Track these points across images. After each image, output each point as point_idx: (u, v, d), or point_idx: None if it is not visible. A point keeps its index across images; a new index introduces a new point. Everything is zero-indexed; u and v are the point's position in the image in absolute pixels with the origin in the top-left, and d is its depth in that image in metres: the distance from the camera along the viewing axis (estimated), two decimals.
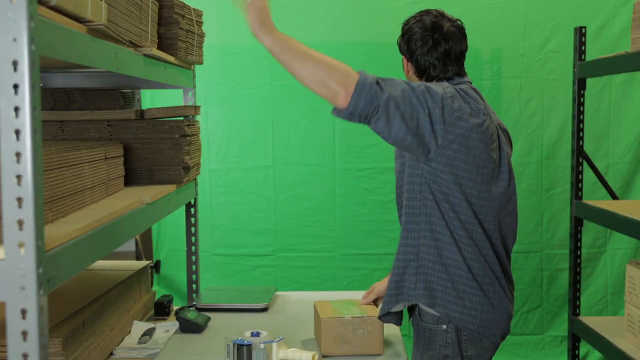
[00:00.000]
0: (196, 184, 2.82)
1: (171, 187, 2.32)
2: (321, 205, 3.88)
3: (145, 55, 2.05)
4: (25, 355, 1.19)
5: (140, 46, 2.01)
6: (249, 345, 1.93)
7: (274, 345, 1.95)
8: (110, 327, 2.25)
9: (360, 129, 3.85)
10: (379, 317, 2.09)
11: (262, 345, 1.93)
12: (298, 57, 1.87)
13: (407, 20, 2.11)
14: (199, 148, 2.64)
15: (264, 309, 2.56)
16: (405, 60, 2.11)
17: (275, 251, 3.91)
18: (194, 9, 2.57)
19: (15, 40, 1.15)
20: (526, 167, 3.87)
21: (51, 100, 2.44)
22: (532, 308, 3.94)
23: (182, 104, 2.88)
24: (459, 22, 2.07)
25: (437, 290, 1.95)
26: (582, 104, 3.34)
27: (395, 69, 3.90)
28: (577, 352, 3.46)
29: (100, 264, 2.68)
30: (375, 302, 2.29)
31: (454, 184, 1.90)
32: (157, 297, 2.78)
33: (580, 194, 3.37)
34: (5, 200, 1.18)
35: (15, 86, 1.16)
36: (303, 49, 1.87)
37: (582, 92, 3.33)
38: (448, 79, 2.03)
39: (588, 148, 3.57)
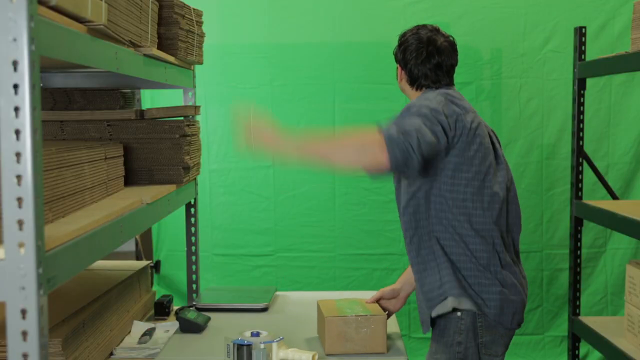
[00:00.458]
0: (196, 184, 2.82)
1: (171, 187, 2.32)
2: (321, 205, 3.88)
3: (145, 55, 2.05)
4: (25, 355, 1.19)
5: (140, 46, 2.01)
6: (249, 345, 1.93)
7: (274, 345, 1.95)
8: (110, 327, 2.25)
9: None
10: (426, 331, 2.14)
11: (262, 345, 1.93)
12: (326, 152, 2.02)
13: (404, 32, 2.25)
14: (199, 148, 2.64)
15: (264, 309, 2.56)
16: (399, 69, 2.25)
17: (275, 251, 3.91)
18: (194, 9, 2.57)
19: (15, 40, 1.15)
20: (526, 167, 3.87)
21: (51, 100, 2.44)
22: (532, 308, 3.94)
23: (182, 104, 2.88)
24: (451, 38, 2.23)
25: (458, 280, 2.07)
26: (582, 104, 3.34)
27: (394, 68, 3.91)
28: (577, 352, 3.46)
29: (100, 264, 2.68)
30: (379, 301, 2.30)
31: (457, 179, 2.04)
32: (157, 297, 2.78)
33: (580, 194, 3.37)
34: (5, 200, 1.18)
35: (15, 86, 1.16)
36: (325, 145, 2.02)
37: (582, 92, 3.33)
38: (437, 88, 2.18)
39: (588, 148, 3.57)
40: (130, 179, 2.30)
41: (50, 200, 1.53)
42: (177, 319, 2.35)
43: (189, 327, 2.32)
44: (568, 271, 3.55)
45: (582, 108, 3.34)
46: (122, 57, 1.83)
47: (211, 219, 3.86)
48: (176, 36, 2.35)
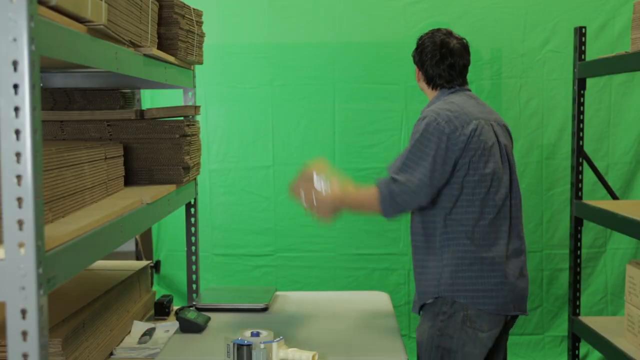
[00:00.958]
0: (196, 184, 2.82)
1: (171, 187, 2.32)
2: None
3: (145, 55, 2.05)
4: (25, 355, 1.19)
5: (140, 46, 2.01)
6: (249, 345, 1.93)
7: (274, 345, 1.95)
8: (110, 327, 2.26)
9: (360, 129, 3.86)
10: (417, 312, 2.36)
11: (262, 345, 1.93)
12: (353, 208, 2.41)
13: (421, 36, 2.45)
14: (199, 148, 2.65)
15: (264, 309, 2.56)
16: (417, 70, 2.46)
17: (275, 251, 3.91)
18: (194, 9, 2.57)
19: (15, 40, 1.15)
20: (526, 167, 3.87)
21: (51, 100, 2.44)
22: (532, 308, 3.94)
23: (182, 104, 2.88)
24: (464, 41, 2.42)
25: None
26: (582, 104, 3.34)
27: (394, 68, 3.92)
28: (577, 352, 3.46)
29: (100, 264, 2.68)
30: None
31: (458, 185, 2.26)
32: (157, 297, 2.78)
33: (580, 194, 3.37)
34: (5, 200, 1.18)
35: (15, 86, 1.16)
36: (347, 202, 2.36)
37: (582, 92, 3.33)
38: (450, 87, 2.39)
39: (588, 148, 3.57)
40: (130, 179, 2.30)
41: (50, 200, 1.53)
42: (177, 319, 2.35)
43: (189, 327, 2.32)
44: (568, 271, 3.55)
45: (582, 108, 3.34)
46: (122, 57, 1.83)
47: (211, 219, 3.86)
48: (176, 36, 2.35)
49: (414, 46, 2.45)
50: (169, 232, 3.91)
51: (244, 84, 3.85)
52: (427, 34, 2.44)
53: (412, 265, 2.38)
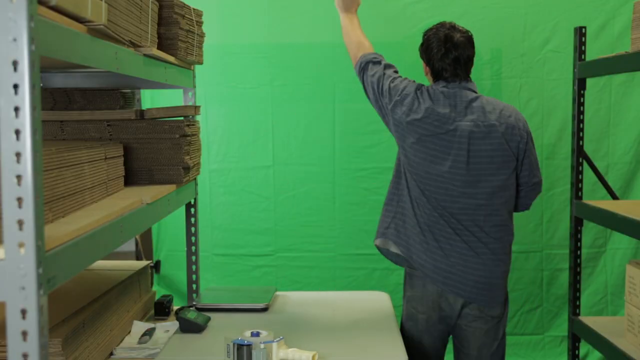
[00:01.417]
0: (196, 184, 2.82)
1: (171, 187, 2.32)
2: (321, 205, 3.88)
3: (145, 55, 2.05)
4: (25, 355, 1.19)
5: (140, 46, 2.01)
6: (249, 345, 1.93)
7: (274, 345, 1.95)
8: (110, 327, 2.26)
9: (360, 129, 3.86)
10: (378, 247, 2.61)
11: (262, 345, 1.93)
12: (345, 33, 2.81)
13: (426, 31, 2.57)
14: (199, 148, 2.65)
15: (264, 309, 2.56)
16: (424, 64, 2.58)
17: (275, 251, 3.91)
18: (194, 9, 2.57)
19: (15, 40, 1.15)
20: None
21: (51, 100, 2.44)
22: (532, 308, 3.94)
23: (182, 104, 2.88)
24: (469, 34, 2.52)
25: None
26: (582, 104, 3.34)
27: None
28: (577, 352, 3.46)
29: (100, 264, 2.68)
30: None
31: (406, 159, 2.50)
32: (157, 297, 2.78)
33: (580, 194, 3.37)
34: (5, 200, 1.18)
35: (15, 86, 1.16)
36: (350, 30, 2.78)
37: (582, 92, 3.33)
38: (453, 82, 2.51)
39: (588, 148, 3.56)
40: (130, 179, 2.30)
41: (50, 200, 1.53)
42: (177, 319, 2.35)
43: (189, 327, 2.32)
44: (568, 271, 3.55)
45: (582, 108, 3.34)
46: (122, 57, 1.83)
47: (211, 219, 3.86)
48: (176, 36, 2.35)
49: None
50: (169, 232, 3.91)
51: (244, 84, 3.85)
52: (431, 29, 2.54)
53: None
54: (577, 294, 3.42)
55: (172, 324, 2.48)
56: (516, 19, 3.83)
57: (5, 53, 1.15)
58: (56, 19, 1.36)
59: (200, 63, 2.76)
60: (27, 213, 1.17)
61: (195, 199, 2.87)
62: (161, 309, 2.66)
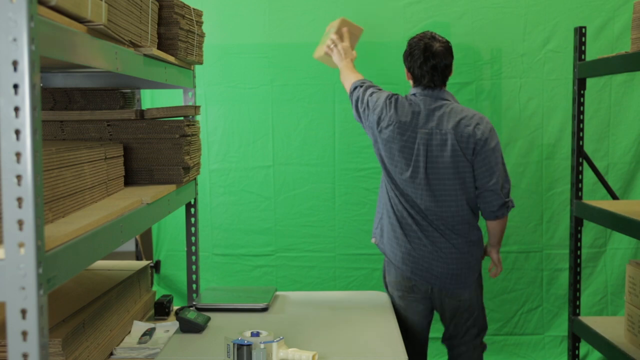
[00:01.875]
0: (196, 184, 2.83)
1: (171, 187, 2.33)
2: (321, 205, 3.88)
3: (145, 55, 2.05)
4: (25, 355, 1.19)
5: (140, 46, 2.01)
6: (249, 345, 1.93)
7: (274, 345, 1.95)
8: (110, 327, 2.26)
9: (360, 129, 3.85)
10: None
11: (262, 345, 1.93)
12: (342, 74, 3.12)
13: (410, 40, 2.84)
14: (199, 148, 2.65)
15: (264, 309, 2.56)
16: (406, 70, 2.86)
17: (275, 251, 3.91)
18: (194, 9, 2.57)
19: (15, 40, 1.15)
20: (526, 167, 3.87)
21: (51, 100, 2.44)
22: (532, 308, 3.94)
23: (182, 104, 2.88)
24: (448, 44, 2.79)
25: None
26: (582, 104, 3.34)
27: (394, 68, 3.92)
28: (577, 352, 3.46)
29: (100, 264, 2.68)
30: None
31: (381, 164, 2.83)
32: (157, 297, 2.78)
33: (580, 194, 3.37)
34: (5, 200, 1.18)
35: (15, 86, 1.16)
36: (345, 72, 3.09)
37: (582, 92, 3.33)
38: (429, 88, 2.79)
39: (588, 148, 3.57)
40: (130, 179, 2.30)
41: (50, 200, 1.53)
42: (177, 319, 2.35)
43: (189, 327, 2.32)
44: (568, 271, 3.55)
45: (582, 108, 3.34)
46: (122, 57, 1.83)
47: (211, 219, 3.86)
48: (176, 36, 2.35)
49: None
50: (169, 232, 3.91)
51: (244, 84, 3.85)
52: (414, 37, 2.83)
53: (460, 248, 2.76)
54: (577, 294, 3.42)
55: (172, 324, 2.48)
56: (516, 19, 3.82)
57: (5, 53, 1.15)
58: (56, 19, 1.36)
59: (200, 63, 2.76)
60: (27, 213, 1.17)
61: (195, 199, 2.87)
62: (161, 309, 2.66)
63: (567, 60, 3.72)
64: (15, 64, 1.16)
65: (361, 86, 2.92)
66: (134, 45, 1.97)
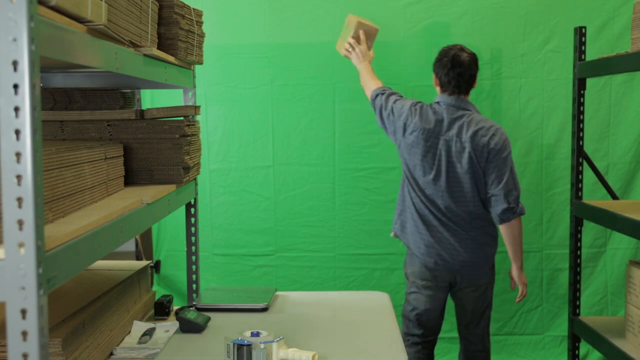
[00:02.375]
0: (196, 184, 2.83)
1: (171, 187, 2.32)
2: (321, 205, 3.88)
3: (145, 55, 2.05)
4: (25, 355, 1.19)
5: (140, 46, 2.01)
6: (249, 345, 1.93)
7: (274, 345, 1.95)
8: (110, 327, 2.26)
9: (360, 129, 3.86)
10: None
11: (262, 345, 1.93)
12: (362, 77, 3.31)
13: (440, 50, 3.07)
14: (199, 148, 2.65)
15: (264, 309, 2.56)
16: (434, 76, 3.07)
17: (275, 251, 3.91)
18: (194, 9, 2.57)
19: (15, 40, 1.15)
20: (526, 167, 3.87)
21: (51, 100, 2.44)
22: (532, 308, 3.94)
23: (182, 104, 2.88)
24: (475, 56, 3.03)
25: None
26: (582, 104, 3.34)
27: (394, 68, 3.92)
28: (577, 352, 3.47)
29: (100, 264, 2.68)
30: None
31: (405, 167, 3.06)
32: (157, 297, 2.78)
33: (580, 194, 3.37)
34: (5, 200, 1.18)
35: (15, 86, 1.16)
36: (366, 76, 3.27)
37: (582, 92, 3.33)
38: (453, 95, 3.01)
39: (588, 148, 3.57)
40: (130, 179, 2.30)
41: (50, 200, 1.53)
42: (177, 319, 2.35)
43: (189, 327, 2.32)
44: (568, 271, 3.55)
45: (582, 108, 3.34)
46: (122, 57, 1.83)
47: (211, 219, 3.86)
48: (176, 36, 2.35)
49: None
50: (169, 232, 3.91)
51: (244, 84, 3.85)
52: (444, 48, 3.06)
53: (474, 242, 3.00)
54: (577, 294, 3.42)
55: (172, 324, 2.48)
56: (516, 19, 3.82)
57: (5, 53, 1.15)
58: (56, 19, 1.36)
59: (200, 63, 2.76)
60: (27, 213, 1.17)
61: (195, 199, 2.87)
62: (161, 309, 2.66)
63: (567, 60, 3.72)
64: (15, 64, 1.16)
65: (383, 93, 3.12)
66: (134, 45, 1.97)
